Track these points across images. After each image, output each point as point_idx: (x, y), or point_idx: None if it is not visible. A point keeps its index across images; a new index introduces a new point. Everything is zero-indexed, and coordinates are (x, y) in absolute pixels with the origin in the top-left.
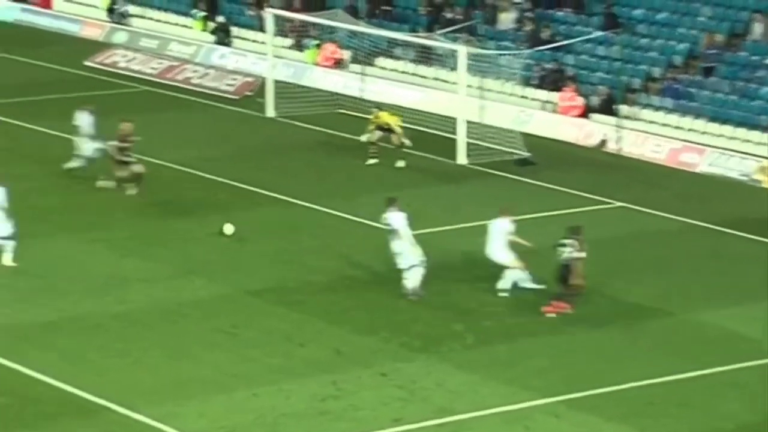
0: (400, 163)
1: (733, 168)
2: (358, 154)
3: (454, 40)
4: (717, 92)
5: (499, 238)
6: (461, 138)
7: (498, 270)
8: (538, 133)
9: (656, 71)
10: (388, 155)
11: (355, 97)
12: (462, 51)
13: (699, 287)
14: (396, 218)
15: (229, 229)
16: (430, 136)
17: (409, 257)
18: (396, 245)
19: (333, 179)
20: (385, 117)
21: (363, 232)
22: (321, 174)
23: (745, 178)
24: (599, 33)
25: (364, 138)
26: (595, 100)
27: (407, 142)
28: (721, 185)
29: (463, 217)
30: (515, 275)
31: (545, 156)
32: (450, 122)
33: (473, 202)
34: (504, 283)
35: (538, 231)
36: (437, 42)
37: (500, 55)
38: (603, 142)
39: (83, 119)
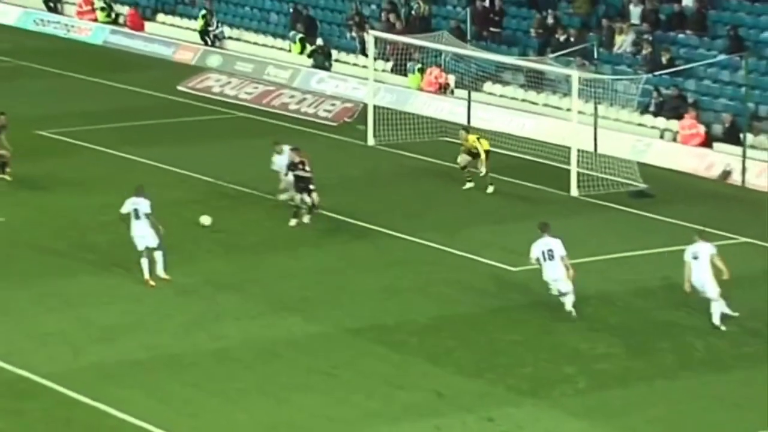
0: (490, 189)
1: None
2: (461, 184)
3: (567, 64)
4: None
5: (706, 266)
6: (574, 168)
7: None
8: (656, 163)
9: None
10: (501, 182)
11: (460, 125)
12: (575, 76)
13: None
14: (555, 244)
15: (206, 220)
16: (541, 165)
17: (565, 283)
18: (551, 272)
19: (436, 211)
20: (472, 141)
21: (467, 267)
22: (424, 205)
23: None
24: (723, 56)
25: (458, 161)
26: (718, 129)
27: (483, 170)
28: None
29: (575, 252)
30: (720, 305)
31: (663, 188)
32: (562, 151)
33: (586, 236)
34: (716, 317)
35: (655, 268)
36: (549, 66)
37: (616, 80)
38: (726, 174)
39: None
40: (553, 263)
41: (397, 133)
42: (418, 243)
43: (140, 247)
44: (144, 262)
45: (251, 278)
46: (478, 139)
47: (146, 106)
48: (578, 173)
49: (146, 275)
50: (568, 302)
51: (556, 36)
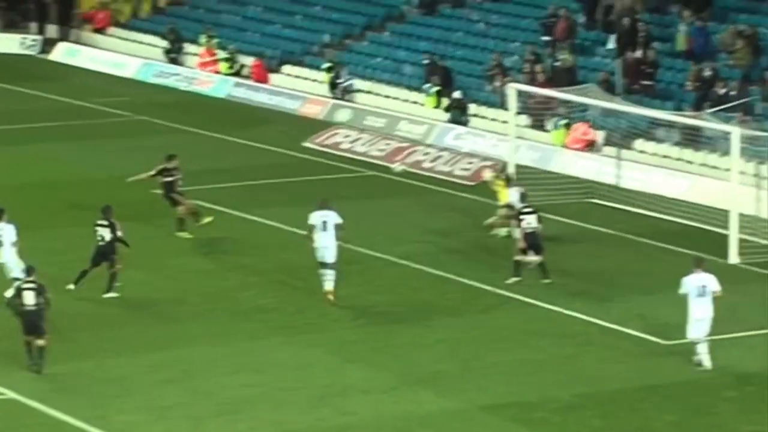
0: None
1: None
2: (610, 249)
3: (727, 120)
4: None
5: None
6: (734, 233)
7: None
8: None
9: None
10: (653, 247)
11: (610, 185)
12: (736, 133)
13: None
14: (709, 280)
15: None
16: (697, 230)
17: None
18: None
19: (580, 278)
20: (500, 187)
21: (615, 339)
22: (566, 272)
23: None
24: None
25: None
26: None
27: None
28: None
29: (735, 325)
30: None
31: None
32: (721, 215)
33: (748, 307)
34: None
35: None
36: (707, 122)
37: None
38: None
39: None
40: (705, 299)
41: (540, 194)
42: (558, 312)
43: (321, 258)
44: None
45: (381, 349)
46: (503, 186)
47: (271, 164)
48: (738, 239)
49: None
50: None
51: (715, 89)
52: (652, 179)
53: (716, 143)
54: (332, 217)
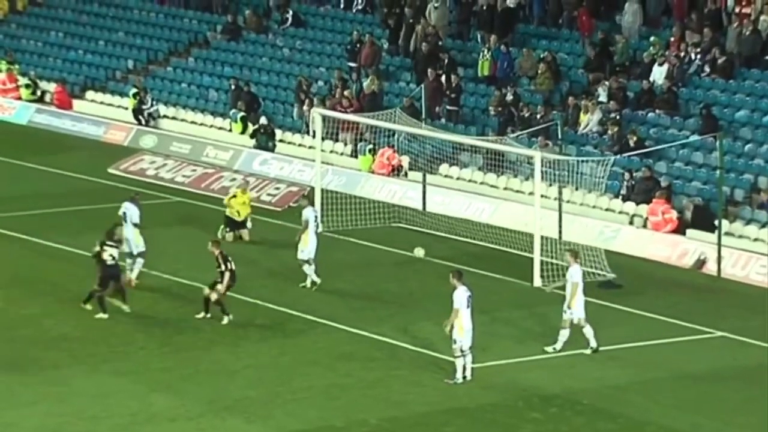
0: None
1: None
2: (415, 273)
3: (529, 144)
4: None
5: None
6: (537, 257)
7: None
8: (625, 251)
9: (762, 181)
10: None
11: (415, 209)
12: (538, 157)
13: None
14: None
15: (419, 252)
16: (501, 254)
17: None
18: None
19: (386, 302)
20: (238, 204)
21: (422, 363)
22: (373, 296)
23: None
24: (696, 137)
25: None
26: (691, 214)
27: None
28: None
29: (536, 347)
30: None
31: (633, 278)
32: (524, 239)
33: (550, 330)
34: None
35: (622, 363)
36: (510, 147)
37: (582, 161)
38: (700, 263)
39: (130, 209)
40: (469, 310)
41: (346, 219)
42: (368, 336)
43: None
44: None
45: (189, 376)
46: (244, 202)
47: (74, 191)
48: (542, 262)
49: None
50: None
51: (518, 114)
52: (457, 203)
53: (519, 168)
54: (131, 211)
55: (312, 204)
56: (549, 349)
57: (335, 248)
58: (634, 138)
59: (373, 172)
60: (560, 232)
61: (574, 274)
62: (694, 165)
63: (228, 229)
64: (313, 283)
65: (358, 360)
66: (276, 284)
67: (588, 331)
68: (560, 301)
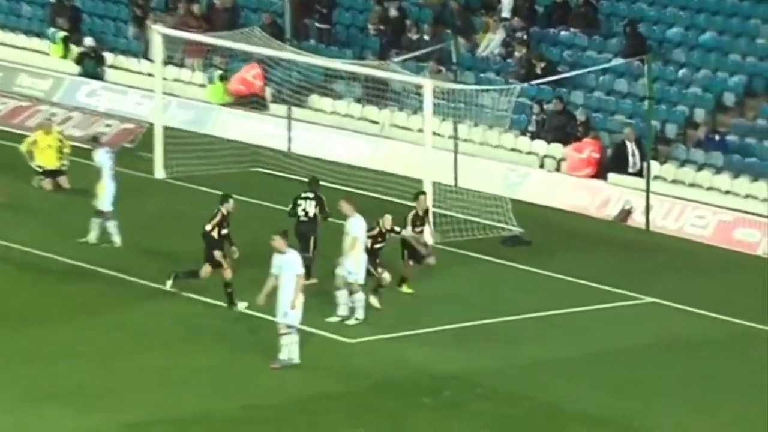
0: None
1: None
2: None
3: (418, 71)
4: None
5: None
6: (429, 207)
7: None
8: (535, 199)
9: (699, 113)
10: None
11: (278, 151)
12: (428, 86)
13: (750, 420)
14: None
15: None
16: (386, 203)
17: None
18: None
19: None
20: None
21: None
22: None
23: None
24: (619, 61)
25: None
26: (614, 154)
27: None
28: None
29: (423, 319)
30: None
31: (544, 232)
32: (412, 185)
33: (441, 296)
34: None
35: (531, 337)
36: (394, 74)
37: (482, 91)
38: (625, 213)
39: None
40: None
41: (193, 162)
42: (222, 307)
43: None
44: None
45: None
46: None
47: None
48: (434, 213)
49: None
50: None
51: (405, 35)
52: (330, 142)
53: (406, 99)
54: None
55: (103, 145)
56: (350, 321)
57: (179, 199)
58: (543, 63)
59: (225, 106)
60: (456, 177)
61: (355, 226)
62: (617, 95)
63: (42, 177)
64: (108, 241)
65: (210, 334)
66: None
67: (359, 298)
68: (459, 259)
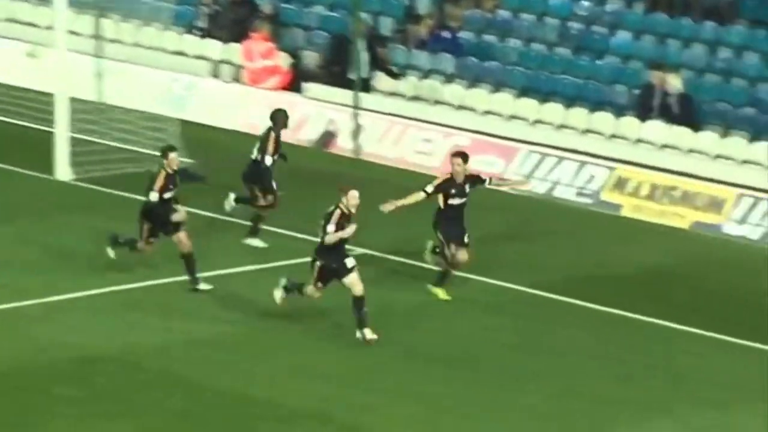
0: None
1: (567, 182)
2: None
3: None
4: (535, 43)
5: None
6: (62, 134)
7: None
8: (208, 120)
9: (423, 4)
10: None
11: None
12: None
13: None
14: None
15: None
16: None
17: None
18: None
19: None
20: None
21: None
22: None
23: (588, 200)
24: None
25: None
26: (312, 59)
27: None
28: (553, 211)
29: (75, 282)
30: None
31: (221, 164)
32: (40, 101)
33: (70, 252)
34: None
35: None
36: None
37: None
38: (328, 136)
39: None
40: None
41: None
42: None
43: None
44: None
45: None
46: None
47: None
48: (72, 140)
49: None
50: None
51: None
52: None
53: None
54: None
55: None
56: None
57: None
58: None
59: None
60: (100, 91)
61: None
62: None
63: None
64: None
65: None
66: None
67: None
68: (100, 200)
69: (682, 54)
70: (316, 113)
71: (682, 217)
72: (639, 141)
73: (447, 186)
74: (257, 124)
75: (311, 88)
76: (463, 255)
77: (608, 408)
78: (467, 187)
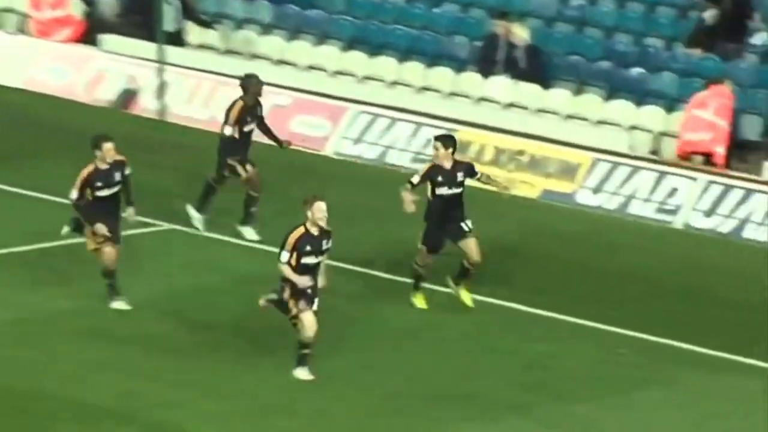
0: None
1: (402, 146)
2: None
3: None
4: None
5: None
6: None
7: None
8: None
9: None
10: None
11: None
12: None
13: None
14: None
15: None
16: None
17: None
18: None
19: None
20: None
21: None
22: None
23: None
24: None
25: None
26: (109, 6)
27: None
28: (383, 178)
29: None
30: None
31: (23, 133)
32: None
33: None
34: None
35: None
36: None
37: None
38: (129, 95)
39: None
40: None
41: None
42: None
43: None
44: None
45: None
46: None
47: None
48: None
49: None
50: None
51: None
52: None
53: None
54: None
55: None
56: None
57: None
58: None
59: None
60: None
61: None
62: None
63: None
64: None
65: None
66: None
67: None
68: None
69: (529, 1)
70: (115, 69)
71: (530, 185)
72: (481, 99)
73: (433, 173)
74: (46, 80)
75: (109, 40)
76: (470, 246)
77: (449, 403)
78: (460, 175)
